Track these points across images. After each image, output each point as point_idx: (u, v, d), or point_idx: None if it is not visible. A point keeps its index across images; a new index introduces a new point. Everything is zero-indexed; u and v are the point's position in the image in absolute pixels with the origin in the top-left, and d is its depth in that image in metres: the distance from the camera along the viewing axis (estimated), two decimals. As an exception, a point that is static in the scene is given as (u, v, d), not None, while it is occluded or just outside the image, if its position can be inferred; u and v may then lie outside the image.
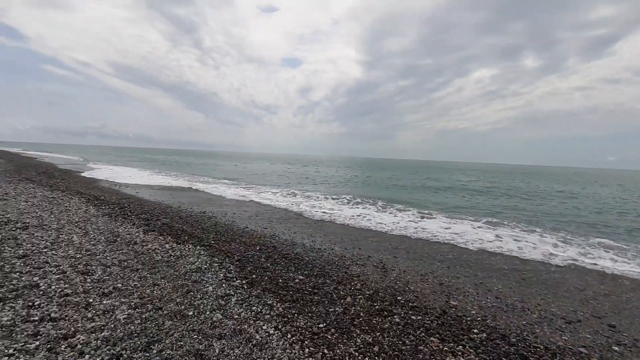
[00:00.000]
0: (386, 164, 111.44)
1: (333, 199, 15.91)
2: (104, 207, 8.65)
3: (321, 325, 3.41)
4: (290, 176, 31.64)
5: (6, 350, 2.50)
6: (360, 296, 4.31)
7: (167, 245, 5.53)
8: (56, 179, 15.38)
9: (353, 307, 3.91)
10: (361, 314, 3.77)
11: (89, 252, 4.85)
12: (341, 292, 4.38)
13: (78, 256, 4.66)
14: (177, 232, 6.66)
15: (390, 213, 12.45)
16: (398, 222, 10.58)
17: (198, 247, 5.61)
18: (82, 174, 20.43)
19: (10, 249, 4.75)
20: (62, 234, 5.73)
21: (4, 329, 2.75)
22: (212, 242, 6.17)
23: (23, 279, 3.76)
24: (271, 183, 23.24)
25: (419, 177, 38.98)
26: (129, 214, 8.07)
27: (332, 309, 3.79)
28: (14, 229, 5.87)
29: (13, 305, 3.15)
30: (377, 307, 4.01)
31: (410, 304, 4.26)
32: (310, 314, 3.65)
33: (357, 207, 13.55)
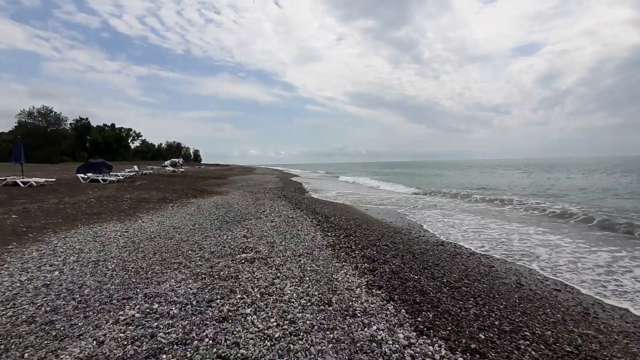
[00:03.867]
0: None
1: None
2: (330, 234, 7.65)
3: None
4: (554, 189, 23.44)
5: None
6: None
7: (400, 334, 3.13)
8: (303, 196, 17.37)
9: None
10: None
11: (293, 329, 3.17)
12: None
13: (276, 335, 3.05)
14: (414, 294, 4.20)
15: None
16: None
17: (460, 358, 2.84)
18: (323, 188, 22.90)
19: (219, 300, 3.84)
20: (278, 277, 4.60)
21: None
22: (481, 337, 3.22)
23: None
24: (524, 198, 17.32)
25: None
26: (353, 247, 6.52)
27: None
28: (243, 261, 5.37)
29: None
30: None
31: None
32: None
33: None
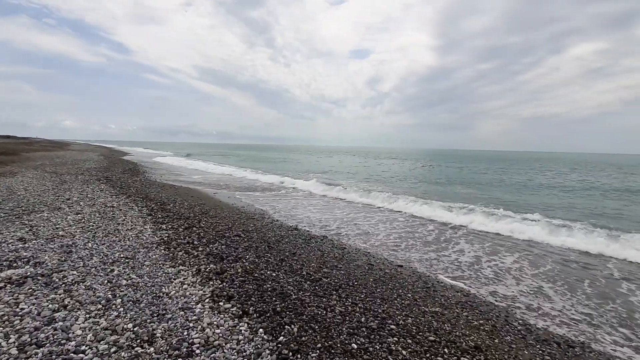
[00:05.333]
0: (461, 155, 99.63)
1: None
2: (165, 226, 5.98)
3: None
4: (367, 171, 27.76)
5: None
6: None
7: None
8: (135, 178, 14.09)
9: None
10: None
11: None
12: None
13: None
14: (273, 300, 3.38)
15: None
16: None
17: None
18: (166, 171, 19.59)
19: None
20: (65, 306, 2.88)
21: None
22: (354, 347, 2.69)
23: None
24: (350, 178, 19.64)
25: (496, 169, 34.31)
26: (196, 241, 5.18)
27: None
28: (2, 284, 3.25)
29: None
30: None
31: None
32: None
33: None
